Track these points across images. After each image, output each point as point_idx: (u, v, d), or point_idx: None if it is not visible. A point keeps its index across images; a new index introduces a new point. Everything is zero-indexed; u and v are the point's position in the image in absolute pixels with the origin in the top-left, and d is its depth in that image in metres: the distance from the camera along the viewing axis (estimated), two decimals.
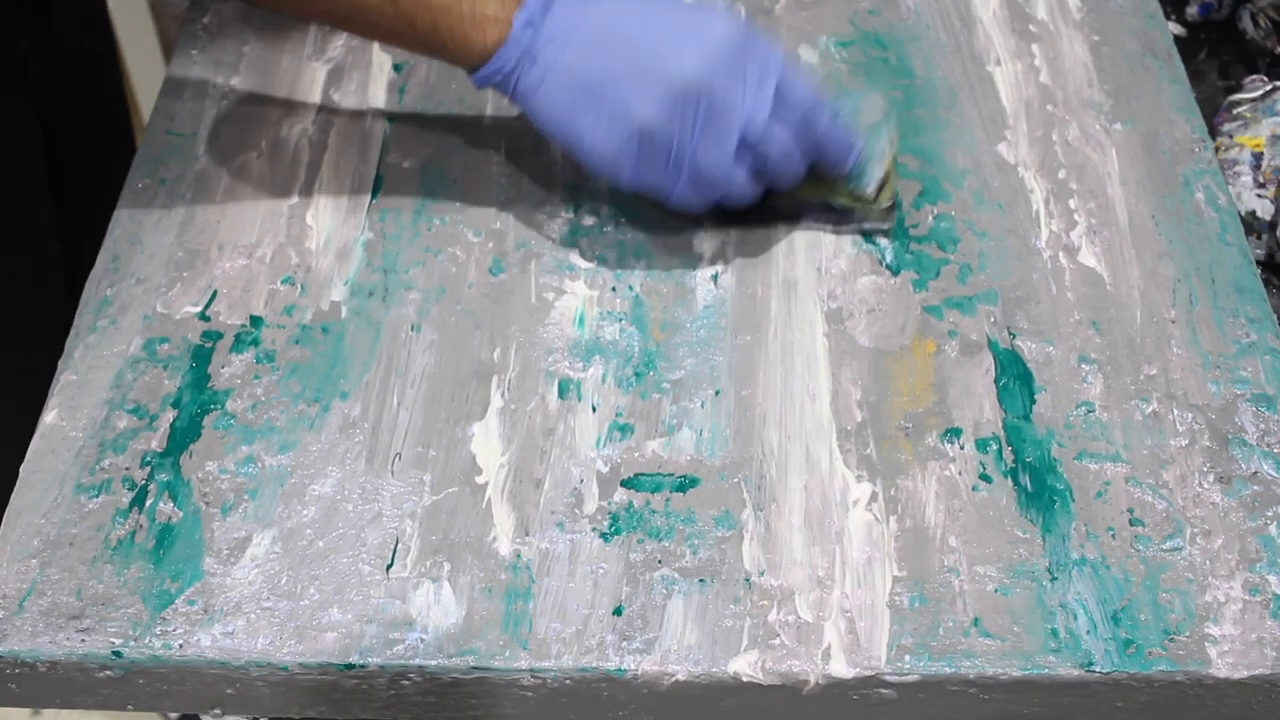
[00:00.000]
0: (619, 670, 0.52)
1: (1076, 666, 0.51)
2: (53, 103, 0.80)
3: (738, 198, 0.62)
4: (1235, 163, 0.77)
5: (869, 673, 0.51)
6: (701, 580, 0.54)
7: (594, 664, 0.52)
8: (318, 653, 0.52)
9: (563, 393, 0.60)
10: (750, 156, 0.61)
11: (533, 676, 0.52)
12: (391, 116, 0.72)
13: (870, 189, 0.65)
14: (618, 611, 0.53)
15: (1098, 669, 0.51)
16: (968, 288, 0.64)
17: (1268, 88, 0.80)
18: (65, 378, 0.60)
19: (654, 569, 0.54)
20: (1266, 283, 0.68)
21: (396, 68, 0.75)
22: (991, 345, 0.62)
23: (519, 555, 0.54)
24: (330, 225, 0.67)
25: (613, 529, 0.55)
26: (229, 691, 0.53)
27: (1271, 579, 0.54)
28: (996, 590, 0.53)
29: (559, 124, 0.61)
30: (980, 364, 0.61)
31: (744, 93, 0.59)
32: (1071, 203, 0.68)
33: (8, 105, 0.76)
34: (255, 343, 0.62)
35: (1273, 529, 0.55)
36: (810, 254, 0.66)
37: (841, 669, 0.51)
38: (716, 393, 0.60)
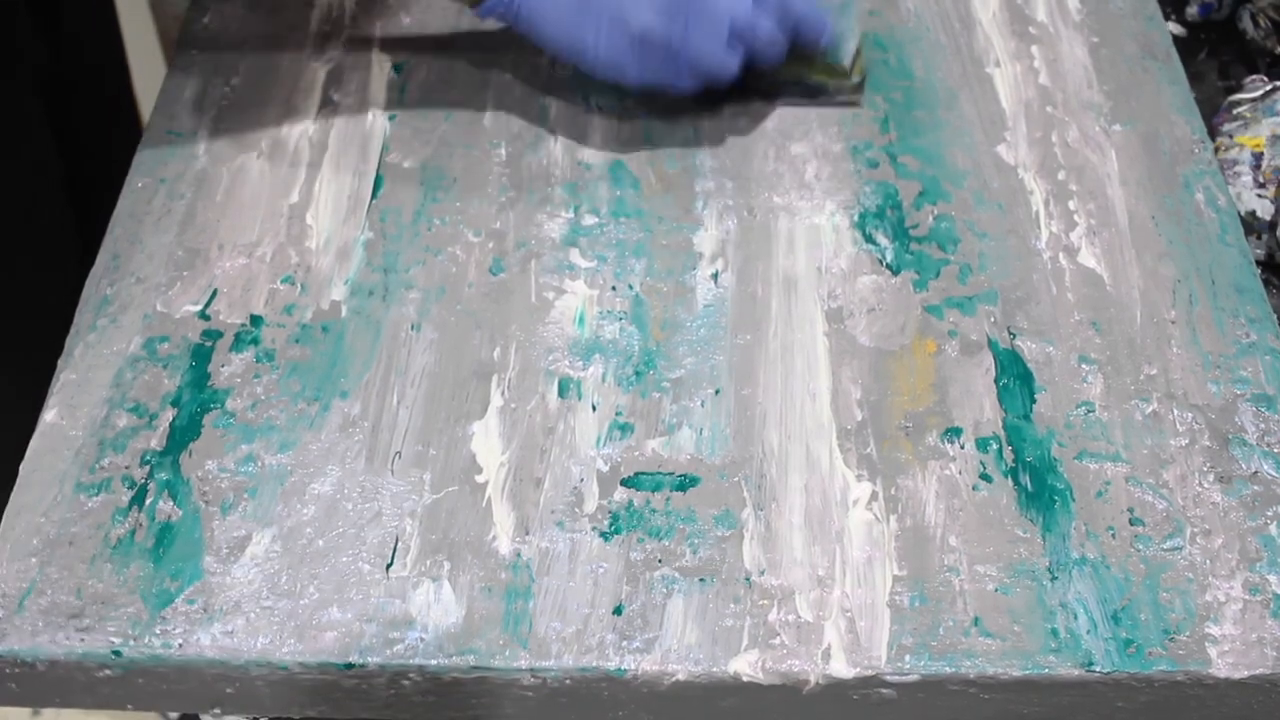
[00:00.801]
0: (619, 670, 0.51)
1: (1076, 666, 0.51)
2: (63, 108, 0.80)
3: (729, 80, 0.69)
4: (1235, 163, 0.77)
5: (869, 673, 0.51)
6: (701, 580, 0.54)
7: (594, 664, 0.52)
8: (317, 652, 0.52)
9: (563, 392, 0.60)
10: (740, 45, 0.67)
11: (533, 676, 0.52)
12: (391, 116, 0.72)
13: (846, 60, 0.72)
14: (618, 611, 0.53)
15: (1098, 669, 0.51)
16: (968, 288, 0.64)
17: (1268, 88, 0.80)
18: (65, 376, 0.60)
19: (654, 568, 0.54)
20: (1266, 283, 0.68)
21: (396, 68, 0.75)
22: (991, 345, 0.62)
23: (519, 554, 0.54)
24: (330, 225, 0.67)
25: (613, 528, 0.55)
26: (229, 691, 0.53)
27: (1271, 579, 0.54)
28: (996, 590, 0.53)
29: (563, 40, 0.67)
30: (980, 364, 0.61)
31: None
32: (1071, 203, 0.68)
33: (17, 110, 0.77)
34: (255, 342, 0.62)
35: (1273, 529, 0.55)
36: (810, 253, 0.66)
37: (841, 669, 0.51)
38: (716, 392, 0.60)
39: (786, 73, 0.71)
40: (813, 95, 0.73)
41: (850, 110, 0.72)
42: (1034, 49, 0.76)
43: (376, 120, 0.72)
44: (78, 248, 0.72)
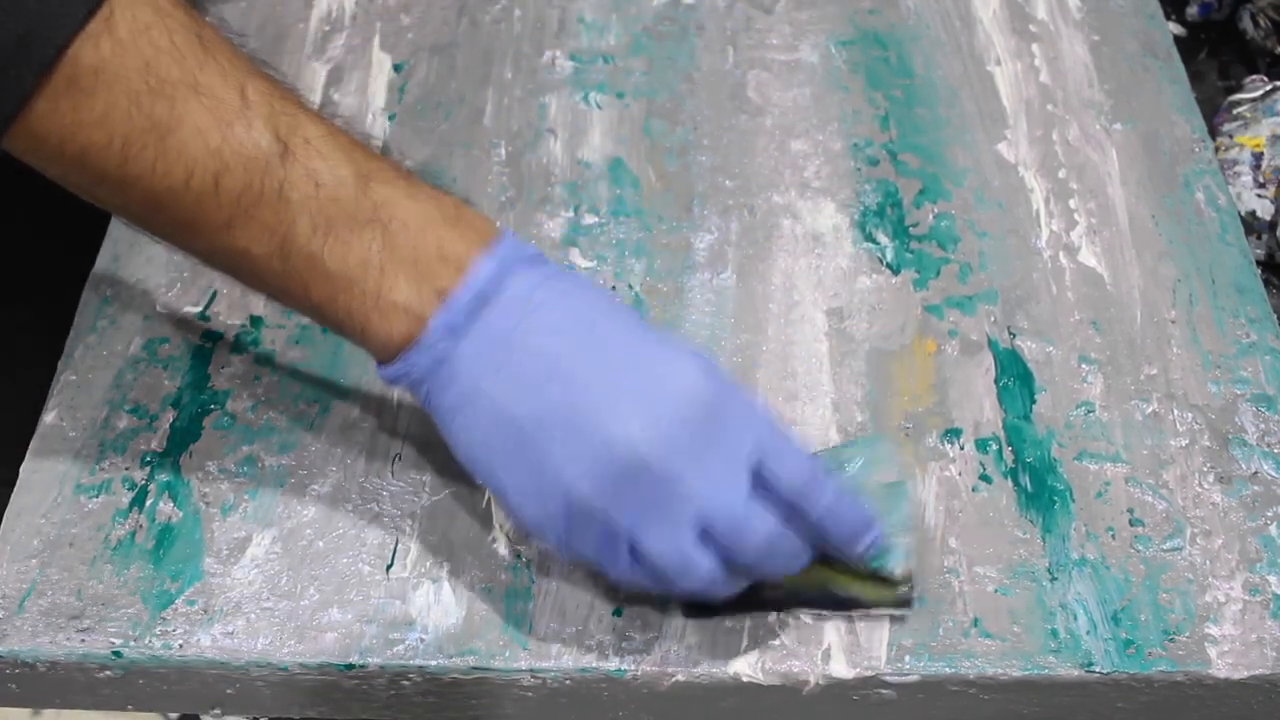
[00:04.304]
0: (619, 670, 0.52)
1: (1076, 667, 0.51)
2: None
3: (711, 591, 0.48)
4: (1235, 163, 0.77)
5: (869, 673, 0.51)
6: None
7: (594, 664, 0.52)
8: (318, 653, 0.52)
9: None
10: (721, 547, 0.47)
11: (533, 676, 0.52)
12: (392, 116, 0.72)
13: (898, 569, 0.51)
14: (617, 612, 0.53)
15: (1098, 669, 0.51)
16: (968, 287, 0.64)
17: (1268, 88, 0.80)
18: (65, 378, 0.60)
19: None
20: (1266, 283, 0.68)
21: (396, 68, 0.74)
22: (992, 345, 0.62)
23: (519, 555, 0.54)
24: None
25: None
26: (229, 691, 0.53)
27: (1271, 579, 0.54)
28: (996, 590, 0.53)
29: (479, 464, 0.49)
30: (980, 364, 0.61)
31: (707, 471, 0.46)
32: (1071, 202, 0.68)
33: None
34: (255, 343, 0.62)
35: (1273, 529, 0.55)
36: (810, 252, 0.66)
37: (841, 669, 0.51)
38: None
39: (810, 580, 0.51)
40: (845, 608, 0.52)
41: (851, 108, 0.72)
42: (1034, 47, 0.76)
43: (376, 120, 0.72)
44: (78, 248, 0.72)
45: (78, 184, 0.47)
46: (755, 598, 0.51)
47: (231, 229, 0.46)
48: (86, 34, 0.43)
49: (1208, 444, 0.58)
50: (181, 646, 0.52)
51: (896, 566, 0.51)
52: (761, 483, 0.47)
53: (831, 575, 0.51)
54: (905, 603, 0.52)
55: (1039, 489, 0.56)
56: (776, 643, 0.52)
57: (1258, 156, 0.77)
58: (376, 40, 0.76)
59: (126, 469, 0.57)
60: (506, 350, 0.47)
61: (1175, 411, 0.59)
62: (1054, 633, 0.52)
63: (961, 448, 0.58)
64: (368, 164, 0.48)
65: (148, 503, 0.56)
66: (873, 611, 0.52)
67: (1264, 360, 0.61)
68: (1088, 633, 0.52)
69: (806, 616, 0.52)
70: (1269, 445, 0.58)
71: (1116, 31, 0.77)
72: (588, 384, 0.46)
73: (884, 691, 0.52)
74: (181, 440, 0.58)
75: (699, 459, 0.46)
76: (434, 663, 0.52)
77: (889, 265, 0.65)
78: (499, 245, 0.48)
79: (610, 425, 0.46)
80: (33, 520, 0.55)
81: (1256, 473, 0.57)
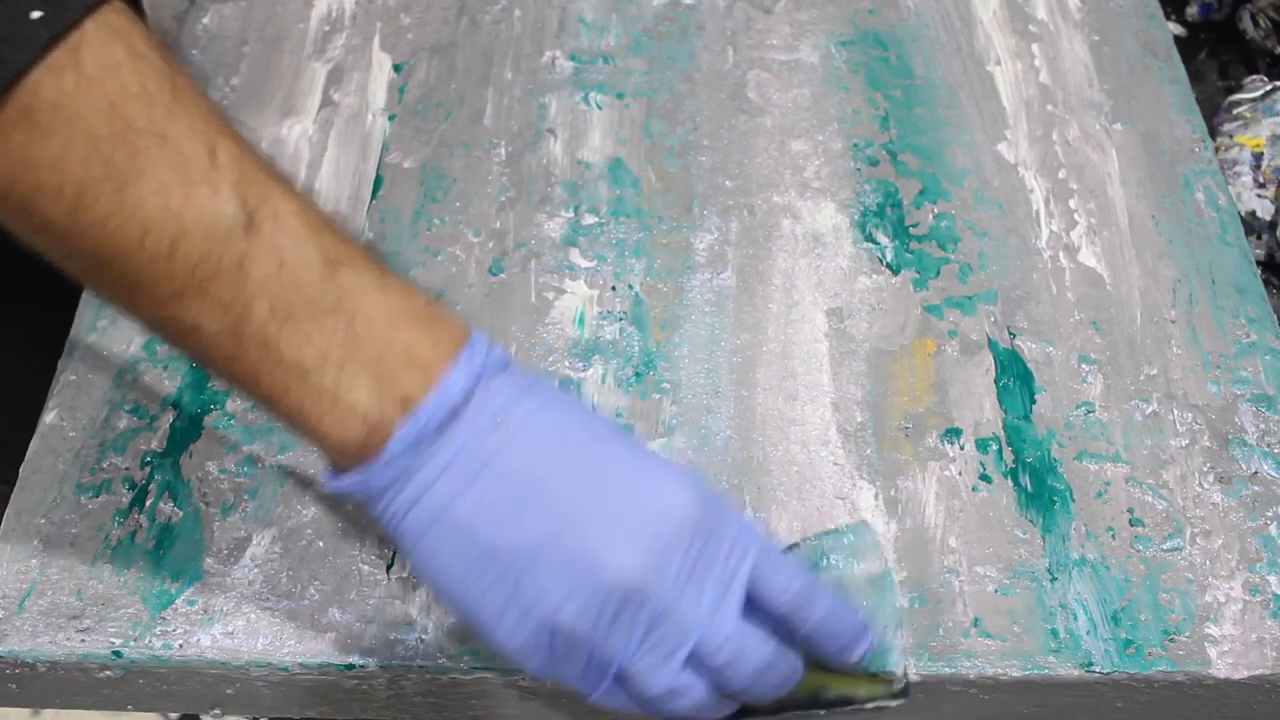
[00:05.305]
0: None
1: (1076, 667, 0.51)
2: None
3: (699, 715, 0.46)
4: (1235, 163, 0.77)
5: None
6: None
7: None
8: (318, 653, 0.52)
9: None
10: (711, 672, 0.44)
11: (532, 677, 0.52)
12: (391, 116, 0.72)
13: (897, 668, 0.49)
14: None
15: (1098, 669, 0.51)
16: (968, 287, 0.64)
17: (1268, 88, 0.80)
18: (65, 378, 0.60)
19: None
20: (1266, 283, 0.68)
21: (396, 68, 0.75)
22: (992, 345, 0.62)
23: None
24: None
25: None
26: (229, 691, 0.53)
27: (1271, 579, 0.54)
28: (996, 590, 0.53)
29: (450, 589, 0.44)
30: (980, 364, 0.61)
31: (699, 597, 0.43)
32: (1071, 203, 0.68)
33: None
34: None
35: (1273, 529, 0.55)
36: (811, 252, 0.66)
37: None
38: (717, 393, 0.60)
39: (801, 689, 0.48)
40: (838, 707, 0.49)
41: (851, 108, 0.72)
42: (1034, 47, 0.76)
43: (376, 120, 0.72)
44: None
45: (19, 229, 0.42)
46: (743, 709, 0.48)
47: (183, 300, 0.42)
48: (49, 64, 0.39)
49: (1208, 444, 0.58)
50: (181, 646, 0.52)
51: (895, 666, 0.49)
52: (753, 600, 0.45)
53: (823, 680, 0.48)
54: (901, 694, 0.49)
55: (1039, 489, 0.56)
56: None
57: (1258, 156, 0.77)
58: (376, 40, 0.76)
59: (126, 469, 0.57)
60: (481, 470, 0.43)
61: (1175, 411, 0.59)
62: (1054, 633, 0.52)
63: (961, 448, 0.58)
64: (337, 248, 0.44)
65: (148, 503, 0.56)
66: (867, 705, 0.49)
67: (1264, 360, 0.61)
68: (1088, 633, 0.52)
69: None
70: (1269, 445, 0.58)
71: (1116, 31, 0.77)
72: (572, 509, 0.43)
73: None
74: (181, 440, 0.58)
75: (691, 585, 0.43)
76: (434, 663, 0.52)
77: (889, 265, 0.65)
78: (470, 352, 0.44)
79: (599, 554, 0.43)
80: (33, 520, 0.55)
81: (1256, 473, 0.57)
